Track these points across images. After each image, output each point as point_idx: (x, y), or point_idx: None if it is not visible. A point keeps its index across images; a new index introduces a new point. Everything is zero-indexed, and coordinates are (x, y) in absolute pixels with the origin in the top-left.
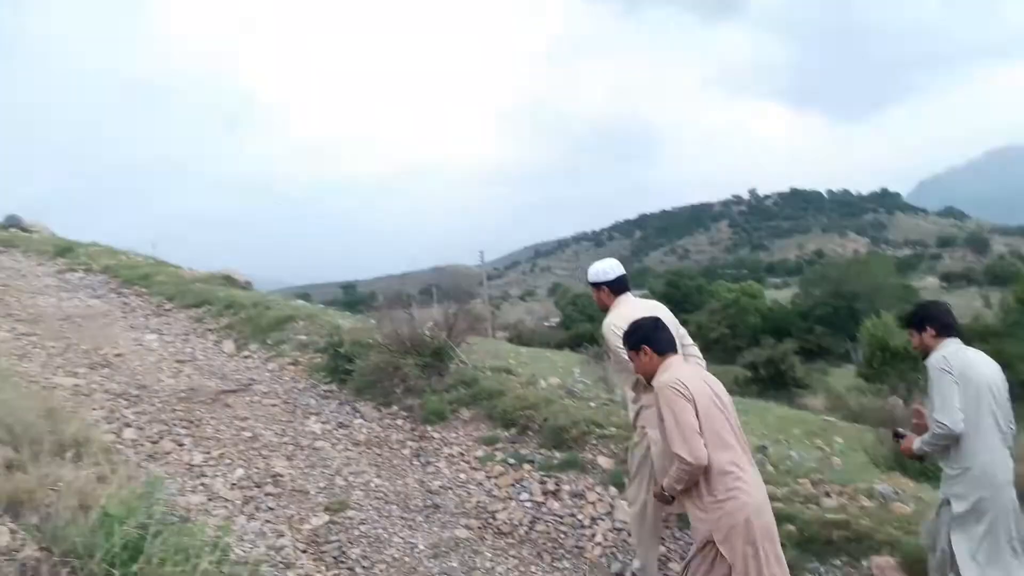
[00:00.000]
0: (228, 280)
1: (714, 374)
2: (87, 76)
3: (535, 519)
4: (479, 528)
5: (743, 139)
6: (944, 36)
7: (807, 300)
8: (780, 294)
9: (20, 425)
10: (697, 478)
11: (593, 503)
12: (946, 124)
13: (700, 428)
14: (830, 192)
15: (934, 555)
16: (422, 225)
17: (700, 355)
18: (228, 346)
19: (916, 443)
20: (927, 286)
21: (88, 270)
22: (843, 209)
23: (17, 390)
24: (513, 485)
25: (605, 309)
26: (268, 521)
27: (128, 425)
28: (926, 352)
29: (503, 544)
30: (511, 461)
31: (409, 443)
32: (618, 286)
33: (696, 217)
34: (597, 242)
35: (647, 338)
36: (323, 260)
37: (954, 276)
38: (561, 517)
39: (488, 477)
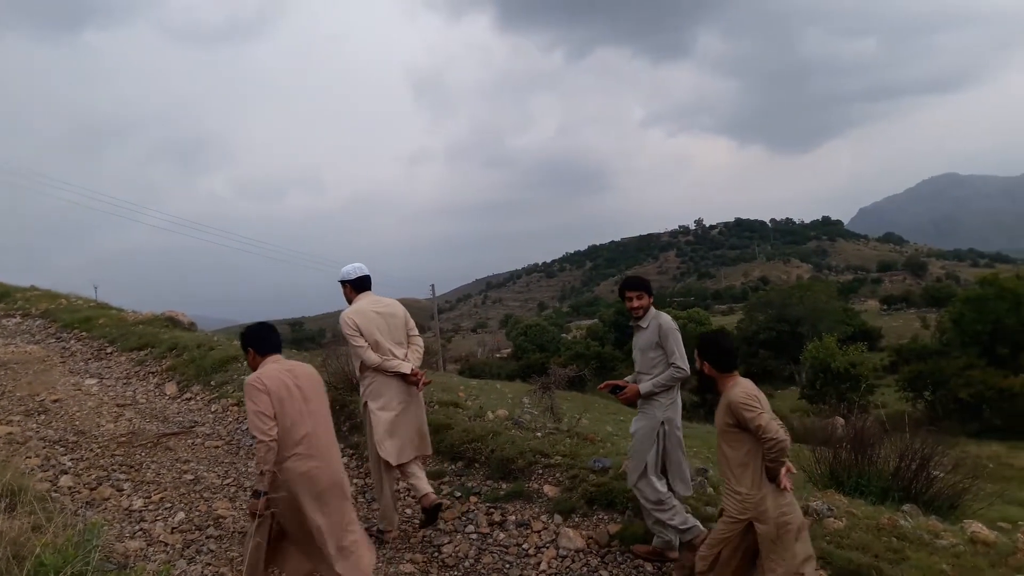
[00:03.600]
0: (171, 322)
1: None
2: (33, 114)
3: (481, 551)
4: (424, 562)
5: (690, 173)
6: (881, 72)
7: (751, 325)
8: (726, 320)
9: None
10: (274, 451)
11: (538, 532)
12: (884, 155)
13: (274, 412)
14: (773, 221)
15: (632, 463)
16: (371, 260)
17: (421, 344)
18: (170, 388)
19: (646, 386)
20: (868, 309)
21: (26, 315)
22: (787, 237)
23: None
24: (459, 518)
25: (350, 302)
26: (209, 564)
27: (65, 472)
28: (645, 311)
29: None
30: (457, 494)
31: (355, 480)
32: (359, 284)
33: (645, 247)
34: (548, 273)
35: (252, 341)
36: (271, 297)
37: (894, 299)
38: (507, 547)
39: None
